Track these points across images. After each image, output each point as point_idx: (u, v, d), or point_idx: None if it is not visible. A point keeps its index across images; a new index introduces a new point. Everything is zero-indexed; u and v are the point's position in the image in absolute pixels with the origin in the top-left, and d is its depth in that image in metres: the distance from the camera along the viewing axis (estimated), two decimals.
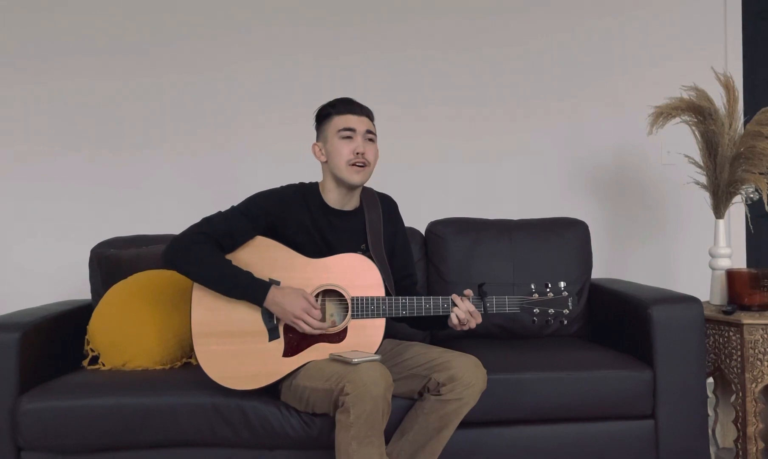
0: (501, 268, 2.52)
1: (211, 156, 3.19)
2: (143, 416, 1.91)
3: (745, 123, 2.53)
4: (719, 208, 2.57)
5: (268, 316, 1.87)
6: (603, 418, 2.06)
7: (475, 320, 1.89)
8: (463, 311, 1.87)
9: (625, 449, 2.05)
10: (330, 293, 1.92)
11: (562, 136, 3.28)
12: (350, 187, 1.99)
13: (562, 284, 1.93)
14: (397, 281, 2.08)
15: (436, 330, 2.26)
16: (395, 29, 3.25)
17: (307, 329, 1.84)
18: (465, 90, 3.26)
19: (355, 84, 3.17)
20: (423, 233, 2.63)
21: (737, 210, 3.26)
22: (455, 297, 1.89)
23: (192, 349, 2.16)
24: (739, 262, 3.28)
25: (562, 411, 2.03)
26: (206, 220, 1.92)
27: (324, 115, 2.01)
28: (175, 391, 1.95)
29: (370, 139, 1.99)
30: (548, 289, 1.93)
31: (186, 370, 2.13)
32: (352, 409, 1.66)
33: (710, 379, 2.57)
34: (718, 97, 2.55)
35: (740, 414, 2.27)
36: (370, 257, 1.97)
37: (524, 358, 2.15)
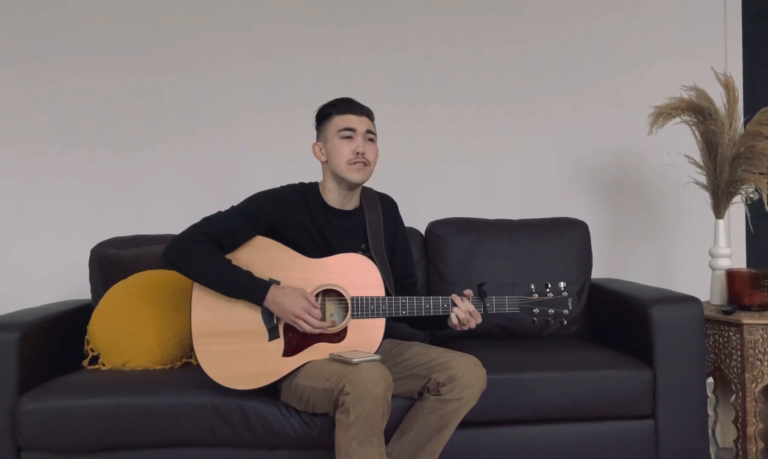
0: (501, 268, 2.52)
1: (211, 156, 3.19)
2: (143, 416, 1.91)
3: (745, 123, 2.53)
4: (719, 208, 2.57)
5: (268, 316, 1.87)
6: (603, 418, 2.06)
7: (475, 320, 1.89)
8: (463, 311, 1.87)
9: (625, 449, 2.05)
10: (330, 293, 1.92)
11: (562, 136, 3.28)
12: (351, 186, 1.99)
13: (562, 284, 1.93)
14: (397, 281, 2.08)
15: (436, 330, 2.26)
16: (395, 29, 3.25)
17: (307, 329, 1.84)
18: (465, 90, 3.26)
19: (355, 84, 3.17)
20: (423, 233, 2.64)
21: (737, 210, 3.26)
22: (455, 297, 1.89)
23: (192, 349, 2.16)
24: (739, 262, 3.28)
25: (562, 411, 2.03)
26: (206, 220, 1.92)
27: (324, 114, 2.01)
28: (175, 391, 1.95)
29: (371, 139, 1.99)
30: (548, 289, 1.93)
31: (186, 370, 2.13)
32: (352, 409, 1.66)
33: (710, 379, 2.57)
34: (718, 97, 2.55)
35: (740, 414, 2.27)
36: (370, 257, 1.97)
37: (524, 358, 2.15)
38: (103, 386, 1.99)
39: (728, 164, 2.50)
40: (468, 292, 1.92)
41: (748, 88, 3.34)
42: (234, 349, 1.86)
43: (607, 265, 3.22)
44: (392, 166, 2.88)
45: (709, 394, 2.54)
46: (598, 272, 2.83)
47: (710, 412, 2.47)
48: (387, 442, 1.81)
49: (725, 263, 2.55)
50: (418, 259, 2.51)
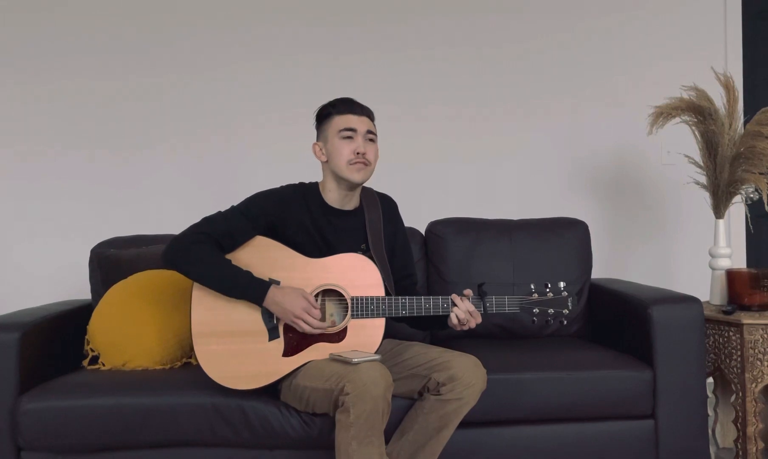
0: (501, 268, 2.52)
1: (211, 156, 3.19)
2: (143, 416, 1.91)
3: (745, 123, 2.53)
4: (719, 208, 2.57)
5: (267, 316, 1.87)
6: (603, 418, 2.06)
7: (474, 320, 1.89)
8: (463, 311, 1.87)
9: (625, 449, 2.05)
10: (330, 293, 1.92)
11: (562, 136, 3.28)
12: (351, 186, 1.99)
13: (562, 284, 1.93)
14: (397, 281, 2.08)
15: (436, 330, 2.26)
16: (395, 29, 3.25)
17: (307, 329, 1.84)
18: (465, 90, 3.26)
19: (355, 84, 3.17)
20: (423, 233, 2.63)
21: (737, 210, 3.26)
22: (455, 297, 1.89)
23: (192, 349, 2.16)
24: (739, 262, 3.28)
25: (562, 411, 2.03)
26: (206, 220, 1.92)
27: (324, 114, 2.01)
28: (175, 391, 1.95)
29: (371, 139, 1.99)
30: (548, 289, 1.93)
31: (186, 370, 2.13)
32: (352, 408, 1.66)
33: (710, 379, 2.57)
34: (718, 97, 2.55)
35: (740, 414, 2.27)
36: (370, 257, 1.97)
37: (524, 358, 2.15)
38: (103, 386, 1.99)
39: (728, 164, 2.50)
40: (468, 292, 1.92)
41: (748, 88, 3.34)
42: (234, 349, 1.86)
43: (607, 265, 3.22)
44: (392, 166, 2.88)
45: (709, 394, 2.54)
46: (598, 272, 2.83)
47: (710, 412, 2.47)
48: (387, 442, 1.81)
49: (725, 263, 2.55)
50: (418, 259, 2.51)
